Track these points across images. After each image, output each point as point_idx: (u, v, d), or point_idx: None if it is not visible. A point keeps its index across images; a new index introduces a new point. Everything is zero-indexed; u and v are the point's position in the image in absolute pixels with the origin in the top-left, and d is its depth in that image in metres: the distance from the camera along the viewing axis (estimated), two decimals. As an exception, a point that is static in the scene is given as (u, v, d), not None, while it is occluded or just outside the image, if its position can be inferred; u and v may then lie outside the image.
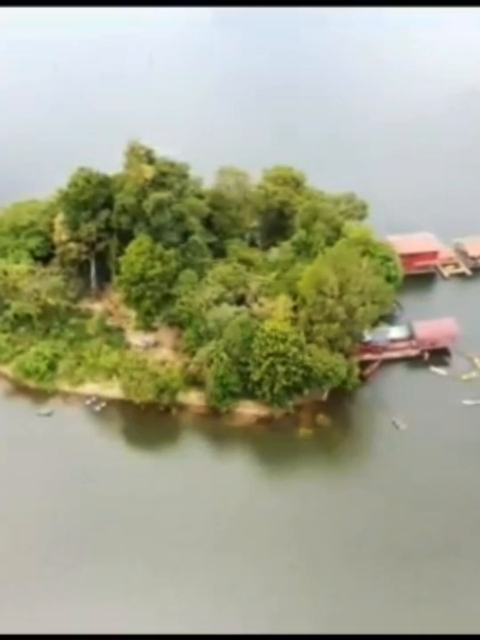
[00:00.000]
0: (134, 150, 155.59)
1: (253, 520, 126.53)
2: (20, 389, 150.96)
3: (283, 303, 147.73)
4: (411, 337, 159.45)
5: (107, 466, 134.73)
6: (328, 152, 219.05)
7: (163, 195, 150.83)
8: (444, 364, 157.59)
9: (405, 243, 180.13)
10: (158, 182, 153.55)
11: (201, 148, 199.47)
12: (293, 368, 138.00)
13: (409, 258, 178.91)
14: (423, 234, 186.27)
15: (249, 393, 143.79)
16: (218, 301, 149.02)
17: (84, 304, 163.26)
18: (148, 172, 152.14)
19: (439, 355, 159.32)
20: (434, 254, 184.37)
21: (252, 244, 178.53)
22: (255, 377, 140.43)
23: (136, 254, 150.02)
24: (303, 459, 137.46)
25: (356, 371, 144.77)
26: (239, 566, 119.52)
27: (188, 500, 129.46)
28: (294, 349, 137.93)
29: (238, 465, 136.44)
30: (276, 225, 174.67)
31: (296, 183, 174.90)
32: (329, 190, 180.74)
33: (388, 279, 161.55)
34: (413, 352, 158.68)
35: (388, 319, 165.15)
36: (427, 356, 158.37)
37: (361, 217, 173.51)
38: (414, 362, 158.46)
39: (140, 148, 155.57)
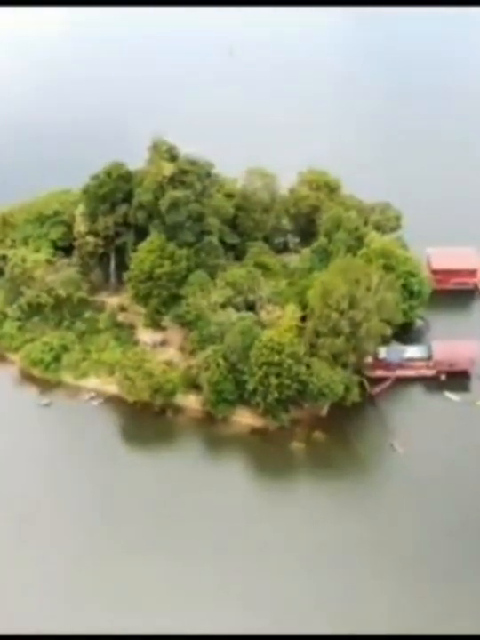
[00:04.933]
0: (157, 146, 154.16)
1: (231, 525, 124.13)
2: (26, 378, 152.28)
3: (290, 312, 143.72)
4: (429, 357, 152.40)
5: (90, 462, 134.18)
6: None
7: (179, 193, 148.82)
8: (460, 388, 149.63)
9: (443, 257, 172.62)
10: (178, 180, 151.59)
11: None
12: (287, 381, 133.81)
13: (445, 274, 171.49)
14: (466, 249, 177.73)
15: (246, 402, 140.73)
16: (224, 305, 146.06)
17: (102, 297, 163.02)
18: (168, 169, 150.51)
19: (458, 378, 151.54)
20: (473, 272, 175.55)
21: (285, 247, 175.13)
22: (250, 386, 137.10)
23: (146, 252, 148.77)
24: (288, 473, 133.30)
25: (356, 388, 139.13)
26: (227, 568, 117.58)
27: (170, 503, 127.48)
28: (290, 361, 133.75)
29: (222, 472, 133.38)
30: (307, 230, 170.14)
31: (330, 189, 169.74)
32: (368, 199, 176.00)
33: (412, 295, 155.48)
34: (429, 373, 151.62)
35: (412, 336, 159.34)
36: (443, 377, 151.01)
37: (393, 228, 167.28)
38: (430, 383, 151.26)
39: (163, 145, 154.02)
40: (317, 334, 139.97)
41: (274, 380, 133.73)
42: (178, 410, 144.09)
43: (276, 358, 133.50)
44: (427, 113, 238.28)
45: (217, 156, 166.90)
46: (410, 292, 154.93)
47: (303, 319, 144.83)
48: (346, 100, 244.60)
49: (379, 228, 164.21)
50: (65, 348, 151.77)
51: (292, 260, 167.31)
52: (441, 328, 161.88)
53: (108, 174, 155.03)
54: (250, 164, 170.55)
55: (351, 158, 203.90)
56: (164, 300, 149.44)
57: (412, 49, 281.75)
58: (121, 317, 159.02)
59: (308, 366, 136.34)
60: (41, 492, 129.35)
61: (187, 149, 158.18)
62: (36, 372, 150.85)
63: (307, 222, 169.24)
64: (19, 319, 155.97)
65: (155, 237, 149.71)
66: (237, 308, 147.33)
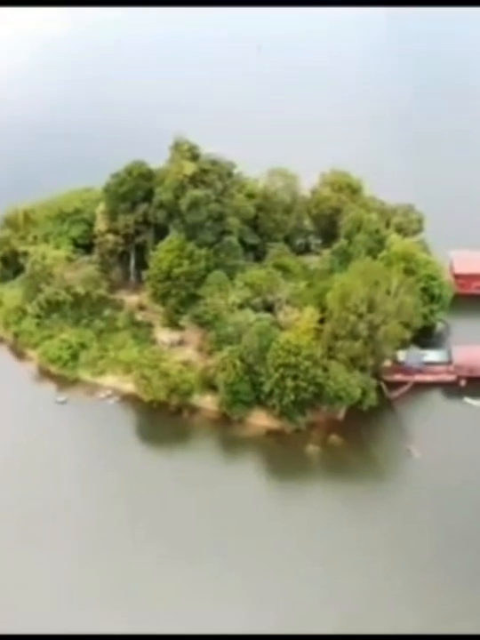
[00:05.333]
0: (178, 145, 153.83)
1: (243, 526, 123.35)
2: (44, 374, 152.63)
3: (308, 314, 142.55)
4: (449, 361, 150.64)
5: (104, 460, 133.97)
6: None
7: (200, 193, 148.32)
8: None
9: (466, 261, 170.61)
10: (199, 179, 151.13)
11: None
12: (303, 383, 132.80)
13: (468, 278, 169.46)
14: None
15: (262, 403, 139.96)
16: (242, 306, 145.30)
17: (121, 295, 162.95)
18: (188, 168, 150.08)
19: (478, 383, 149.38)
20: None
21: (306, 249, 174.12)
22: (266, 388, 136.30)
23: (165, 251, 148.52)
24: (303, 476, 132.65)
25: (373, 392, 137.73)
26: (237, 569, 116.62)
27: (182, 502, 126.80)
28: (306, 363, 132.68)
29: (235, 473, 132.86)
30: (328, 232, 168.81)
31: (352, 190, 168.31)
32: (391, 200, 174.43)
33: (432, 298, 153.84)
34: (449, 378, 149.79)
35: (433, 340, 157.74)
36: (463, 383, 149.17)
37: (415, 231, 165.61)
38: (449, 388, 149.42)
39: (184, 144, 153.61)
40: (335, 337, 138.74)
41: (290, 383, 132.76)
42: (194, 410, 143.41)
43: (293, 360, 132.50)
44: (455, 114, 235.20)
45: (241, 155, 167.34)
46: (430, 296, 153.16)
47: (322, 321, 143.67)
48: (372, 99, 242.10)
49: (400, 230, 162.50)
50: (83, 346, 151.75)
51: (313, 261, 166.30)
52: (462, 332, 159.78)
53: (129, 173, 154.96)
54: (274, 164, 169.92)
55: (376, 159, 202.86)
56: (182, 299, 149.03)
57: (441, 48, 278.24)
58: (140, 316, 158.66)
59: (324, 369, 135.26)
60: (53, 489, 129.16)
61: (209, 149, 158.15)
62: (53, 369, 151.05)
63: (328, 224, 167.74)
64: (37, 316, 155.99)
65: (174, 237, 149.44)
66: (256, 309, 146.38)
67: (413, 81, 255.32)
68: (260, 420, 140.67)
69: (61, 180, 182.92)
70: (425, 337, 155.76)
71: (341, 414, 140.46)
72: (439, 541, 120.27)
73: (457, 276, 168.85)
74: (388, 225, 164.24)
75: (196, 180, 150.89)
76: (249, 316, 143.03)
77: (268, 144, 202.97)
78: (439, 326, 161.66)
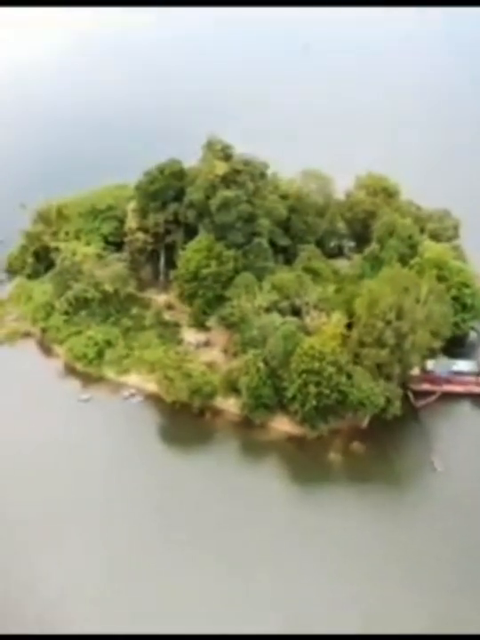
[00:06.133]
0: (211, 145, 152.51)
1: (259, 530, 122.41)
2: (70, 371, 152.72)
3: (336, 320, 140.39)
4: (478, 372, 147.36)
5: (123, 460, 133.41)
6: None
7: (230, 193, 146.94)
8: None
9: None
10: (230, 180, 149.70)
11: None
12: (326, 390, 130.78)
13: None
14: None
15: (285, 408, 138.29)
16: (269, 309, 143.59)
17: (150, 294, 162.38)
18: (220, 168, 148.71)
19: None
20: None
21: (339, 252, 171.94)
22: (289, 393, 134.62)
23: (193, 251, 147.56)
24: (321, 483, 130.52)
25: (397, 401, 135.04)
26: (252, 573, 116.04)
27: (200, 505, 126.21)
28: (330, 370, 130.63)
29: (253, 478, 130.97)
30: (362, 235, 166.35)
31: (387, 194, 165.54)
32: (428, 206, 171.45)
33: (465, 307, 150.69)
34: (478, 389, 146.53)
35: (465, 350, 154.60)
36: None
37: (450, 238, 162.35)
38: (478, 400, 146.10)
39: (217, 143, 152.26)
40: (362, 344, 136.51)
41: (313, 389, 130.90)
42: (217, 412, 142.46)
43: (317, 366, 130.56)
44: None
45: (280, 156, 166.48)
46: (462, 305, 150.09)
47: (350, 327, 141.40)
48: (416, 102, 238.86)
49: (435, 236, 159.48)
50: (109, 344, 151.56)
51: (346, 265, 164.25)
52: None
53: (161, 171, 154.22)
54: (312, 165, 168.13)
55: (416, 163, 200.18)
56: (208, 300, 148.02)
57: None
58: (168, 316, 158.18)
59: (349, 376, 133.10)
60: (72, 487, 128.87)
61: (247, 148, 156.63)
62: (79, 366, 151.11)
63: (362, 227, 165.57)
64: (66, 312, 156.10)
65: (203, 237, 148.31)
66: (283, 313, 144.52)
67: (464, 83, 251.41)
68: (283, 425, 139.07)
69: (98, 176, 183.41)
70: (456, 346, 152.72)
71: (365, 422, 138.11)
72: (453, 554, 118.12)
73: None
74: (422, 230, 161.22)
75: (227, 181, 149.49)
76: (275, 319, 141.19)
77: (309, 144, 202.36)
78: (471, 335, 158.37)
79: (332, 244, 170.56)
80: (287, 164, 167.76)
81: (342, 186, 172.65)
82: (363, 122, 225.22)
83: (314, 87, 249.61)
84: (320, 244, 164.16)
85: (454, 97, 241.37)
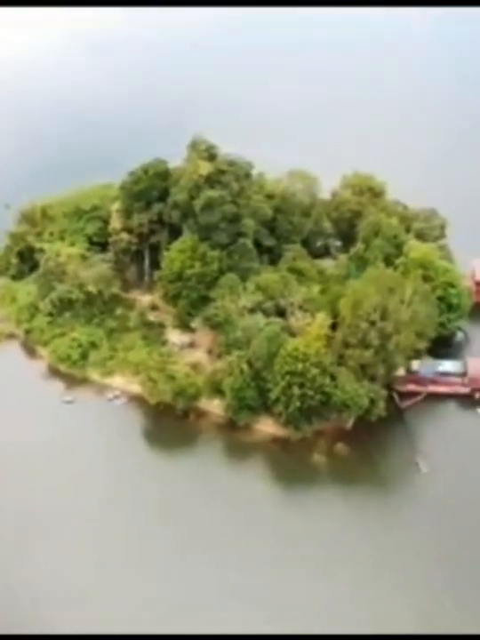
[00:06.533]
0: (195, 145, 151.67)
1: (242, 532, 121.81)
2: (53, 373, 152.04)
3: (320, 320, 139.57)
4: (465, 373, 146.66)
5: (106, 462, 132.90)
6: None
7: (214, 193, 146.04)
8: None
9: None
10: (215, 180, 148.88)
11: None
12: (310, 392, 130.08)
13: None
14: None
15: (269, 410, 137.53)
16: (253, 310, 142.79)
17: (135, 295, 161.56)
18: (204, 168, 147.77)
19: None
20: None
21: (326, 251, 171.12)
22: (273, 395, 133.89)
23: (177, 251, 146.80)
24: (305, 485, 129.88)
25: (382, 402, 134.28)
26: (236, 574, 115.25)
27: (184, 507, 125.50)
28: (314, 371, 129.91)
29: (236, 480, 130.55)
30: (348, 235, 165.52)
31: (373, 193, 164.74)
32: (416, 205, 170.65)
33: (450, 307, 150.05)
34: (464, 390, 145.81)
35: (451, 350, 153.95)
36: (478, 395, 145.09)
37: (437, 237, 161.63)
38: (464, 401, 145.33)
39: (202, 143, 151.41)
40: (346, 345, 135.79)
41: (296, 390, 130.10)
42: (201, 414, 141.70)
43: (300, 367, 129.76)
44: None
45: (267, 155, 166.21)
46: (448, 305, 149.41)
47: (334, 327, 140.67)
48: (407, 102, 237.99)
49: (421, 236, 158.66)
50: (93, 345, 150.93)
51: (332, 265, 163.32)
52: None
53: (145, 171, 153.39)
54: (300, 165, 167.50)
55: (405, 162, 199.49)
56: (193, 301, 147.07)
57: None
58: (152, 316, 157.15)
59: (333, 377, 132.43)
60: (54, 489, 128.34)
61: (235, 148, 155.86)
62: (62, 367, 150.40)
63: (348, 227, 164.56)
64: (50, 314, 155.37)
65: (187, 237, 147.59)
66: (267, 314, 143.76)
67: (449, 83, 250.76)
68: (267, 426, 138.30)
69: (83, 176, 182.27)
70: (442, 346, 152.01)
71: (350, 424, 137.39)
72: (438, 556, 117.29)
73: (478, 285, 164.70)
74: (408, 230, 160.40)
75: (211, 181, 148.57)
76: (259, 320, 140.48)
77: (298, 144, 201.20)
78: (458, 336, 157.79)
79: (319, 243, 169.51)
80: (275, 163, 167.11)
81: (330, 186, 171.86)
82: (351, 122, 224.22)
83: (303, 87, 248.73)
84: (306, 243, 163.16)
85: (444, 96, 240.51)
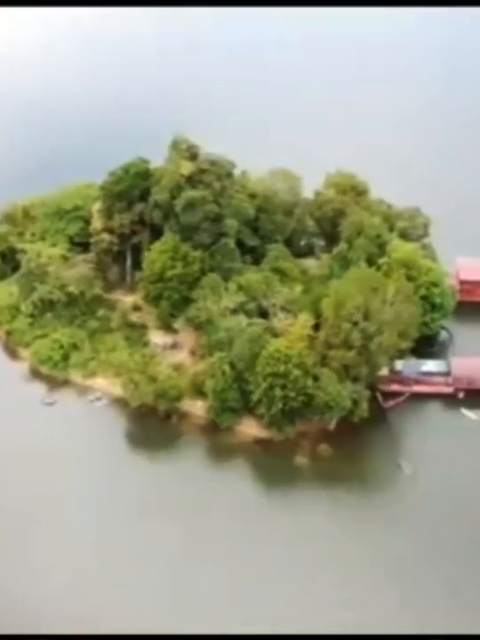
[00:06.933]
0: (176, 144, 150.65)
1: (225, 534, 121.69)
2: (35, 374, 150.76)
3: (302, 321, 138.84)
4: (447, 372, 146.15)
5: (86, 465, 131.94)
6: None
7: (196, 193, 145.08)
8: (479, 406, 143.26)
9: (473, 268, 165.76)
10: (196, 180, 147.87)
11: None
12: (292, 393, 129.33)
13: (475, 285, 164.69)
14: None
15: (251, 411, 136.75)
16: (235, 311, 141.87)
17: (118, 295, 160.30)
18: (186, 168, 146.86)
19: (477, 396, 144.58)
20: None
21: (309, 250, 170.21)
22: (255, 396, 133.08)
23: (158, 252, 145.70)
24: (288, 487, 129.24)
25: (364, 403, 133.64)
26: (220, 575, 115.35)
27: (164, 511, 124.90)
28: (296, 373, 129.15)
29: (218, 483, 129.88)
30: (332, 235, 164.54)
31: (356, 192, 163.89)
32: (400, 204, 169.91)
33: (434, 307, 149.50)
34: (447, 389, 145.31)
35: (435, 350, 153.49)
36: (461, 395, 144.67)
37: (420, 236, 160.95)
38: (448, 400, 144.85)
39: (183, 142, 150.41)
40: (329, 345, 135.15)
41: (278, 392, 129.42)
42: (184, 415, 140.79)
43: (282, 369, 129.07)
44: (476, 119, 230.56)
45: (254, 154, 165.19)
46: (431, 304, 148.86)
47: (317, 328, 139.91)
48: (391, 101, 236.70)
49: (405, 235, 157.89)
50: (74, 347, 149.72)
51: (315, 264, 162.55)
52: (466, 342, 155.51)
53: (126, 171, 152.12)
54: (284, 164, 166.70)
55: (389, 161, 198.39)
56: (174, 302, 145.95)
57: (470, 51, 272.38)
58: (135, 317, 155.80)
59: (315, 378, 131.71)
60: (34, 491, 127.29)
61: (211, 148, 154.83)
62: (44, 369, 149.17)
63: (331, 226, 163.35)
64: (31, 315, 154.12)
65: (168, 238, 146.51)
66: (250, 315, 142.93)
67: (434, 82, 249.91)
68: (250, 427, 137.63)
69: (66, 175, 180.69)
70: (427, 346, 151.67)
71: (332, 424, 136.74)
72: (419, 557, 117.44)
73: (463, 283, 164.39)
74: (392, 229, 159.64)
75: (193, 181, 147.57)
76: (241, 321, 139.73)
77: (282, 144, 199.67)
78: (442, 335, 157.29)
79: (303, 242, 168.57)
80: (259, 163, 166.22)
81: (314, 185, 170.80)
82: (336, 121, 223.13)
83: (288, 86, 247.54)
84: (289, 243, 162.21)
85: (429, 95, 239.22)
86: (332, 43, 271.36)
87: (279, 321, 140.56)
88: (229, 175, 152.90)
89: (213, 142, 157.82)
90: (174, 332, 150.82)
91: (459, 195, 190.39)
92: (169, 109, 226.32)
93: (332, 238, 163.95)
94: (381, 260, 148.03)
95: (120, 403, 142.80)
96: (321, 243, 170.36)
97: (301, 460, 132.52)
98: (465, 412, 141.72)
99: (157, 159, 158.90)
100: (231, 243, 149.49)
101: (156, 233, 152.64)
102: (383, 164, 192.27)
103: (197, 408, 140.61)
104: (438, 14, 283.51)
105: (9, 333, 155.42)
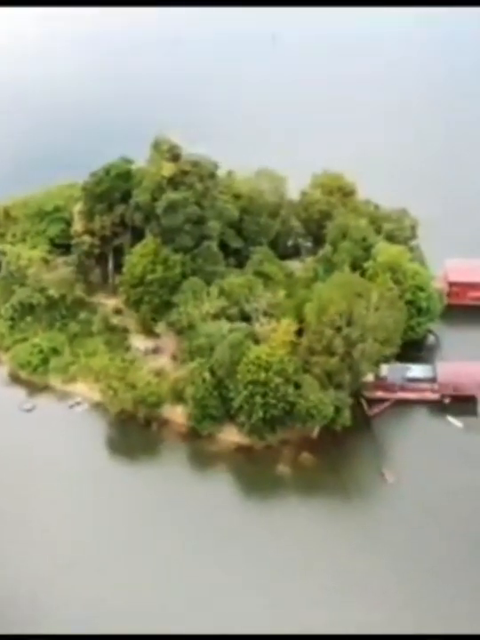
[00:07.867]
0: (158, 145, 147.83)
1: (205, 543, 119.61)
2: (14, 379, 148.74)
3: (285, 326, 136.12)
4: (433, 378, 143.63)
5: (63, 472, 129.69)
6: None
7: (177, 195, 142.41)
8: (465, 412, 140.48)
9: (462, 270, 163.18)
10: (178, 181, 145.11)
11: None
12: (273, 401, 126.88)
13: (463, 287, 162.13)
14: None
15: (233, 418, 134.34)
16: (217, 316, 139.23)
17: (100, 298, 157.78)
18: (167, 169, 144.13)
19: (463, 402, 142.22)
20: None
21: (296, 252, 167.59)
22: (235, 404, 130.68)
23: (139, 256, 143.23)
24: (269, 495, 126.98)
25: (347, 411, 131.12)
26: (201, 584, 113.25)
27: (145, 519, 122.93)
28: (277, 380, 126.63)
29: (199, 491, 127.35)
30: (318, 236, 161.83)
31: (343, 193, 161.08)
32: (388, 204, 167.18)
33: (420, 311, 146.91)
34: (433, 396, 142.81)
35: (422, 354, 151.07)
36: (447, 401, 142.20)
37: (407, 239, 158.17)
38: (432, 407, 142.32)
39: (165, 143, 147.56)
40: (312, 351, 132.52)
41: (259, 400, 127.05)
42: (164, 422, 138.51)
43: (263, 376, 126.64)
44: (468, 120, 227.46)
45: (241, 154, 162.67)
46: (417, 309, 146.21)
47: (300, 333, 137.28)
48: (379, 102, 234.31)
49: (391, 237, 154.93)
50: (54, 351, 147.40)
51: (301, 266, 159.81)
52: (454, 346, 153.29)
53: (107, 172, 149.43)
54: (270, 165, 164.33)
55: (378, 162, 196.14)
56: (155, 306, 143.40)
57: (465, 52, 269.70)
58: (117, 320, 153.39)
59: (297, 386, 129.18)
60: (12, 499, 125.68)
61: (194, 149, 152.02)
62: (23, 374, 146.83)
63: (317, 228, 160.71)
64: (11, 318, 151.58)
65: (149, 241, 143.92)
66: (232, 319, 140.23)
67: (422, 84, 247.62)
68: (231, 435, 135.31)
69: (50, 174, 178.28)
70: (413, 350, 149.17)
71: (315, 432, 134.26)
72: (399, 568, 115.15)
73: (452, 285, 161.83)
74: (379, 231, 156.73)
75: (175, 182, 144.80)
76: (223, 326, 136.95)
77: (269, 145, 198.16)
78: (429, 339, 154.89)
79: (289, 244, 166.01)
80: (247, 163, 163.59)
81: (301, 186, 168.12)
82: (323, 121, 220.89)
83: (273, 87, 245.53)
84: (274, 244, 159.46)
85: (417, 96, 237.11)
86: (321, 43, 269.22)
87: (261, 325, 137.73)
88: (212, 176, 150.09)
89: (197, 143, 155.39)
90: (156, 336, 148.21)
91: (448, 195, 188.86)
92: (156, 108, 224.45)
93: (318, 239, 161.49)
94: (366, 264, 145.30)
95: (100, 408, 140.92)
96: (308, 244, 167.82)
97: (283, 468, 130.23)
98: (450, 419, 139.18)
99: (144, 159, 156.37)
100: (214, 246, 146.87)
101: (138, 235, 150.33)
102: (371, 164, 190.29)
103: (178, 415, 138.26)
104: (427, 14, 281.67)
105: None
